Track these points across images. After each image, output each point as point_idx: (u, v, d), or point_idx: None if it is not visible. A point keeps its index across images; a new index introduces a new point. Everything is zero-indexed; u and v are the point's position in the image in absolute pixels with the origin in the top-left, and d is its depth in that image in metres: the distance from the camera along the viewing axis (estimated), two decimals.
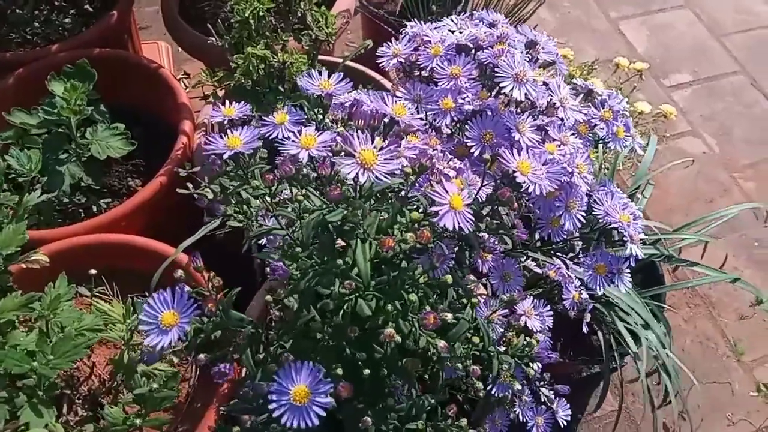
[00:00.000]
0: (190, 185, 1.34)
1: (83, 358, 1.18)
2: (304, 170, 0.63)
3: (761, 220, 2.03)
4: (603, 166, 1.50)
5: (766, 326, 1.67)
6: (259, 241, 0.86)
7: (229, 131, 0.69)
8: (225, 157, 0.67)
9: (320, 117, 0.78)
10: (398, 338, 0.62)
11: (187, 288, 0.73)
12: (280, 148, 0.65)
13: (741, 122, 2.33)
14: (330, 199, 0.59)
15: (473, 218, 0.61)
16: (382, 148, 0.59)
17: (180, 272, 0.69)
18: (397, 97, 0.85)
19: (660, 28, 2.62)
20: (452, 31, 0.93)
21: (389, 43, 0.93)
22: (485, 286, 1.24)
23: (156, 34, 2.26)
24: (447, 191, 0.61)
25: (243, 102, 0.82)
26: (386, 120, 0.66)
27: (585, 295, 1.01)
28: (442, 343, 0.64)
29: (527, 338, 0.84)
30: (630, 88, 1.89)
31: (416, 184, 0.69)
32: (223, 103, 1.12)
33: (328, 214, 0.60)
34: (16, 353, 0.88)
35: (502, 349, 0.84)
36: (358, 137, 0.58)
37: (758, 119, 2.35)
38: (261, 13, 1.34)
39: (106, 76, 1.44)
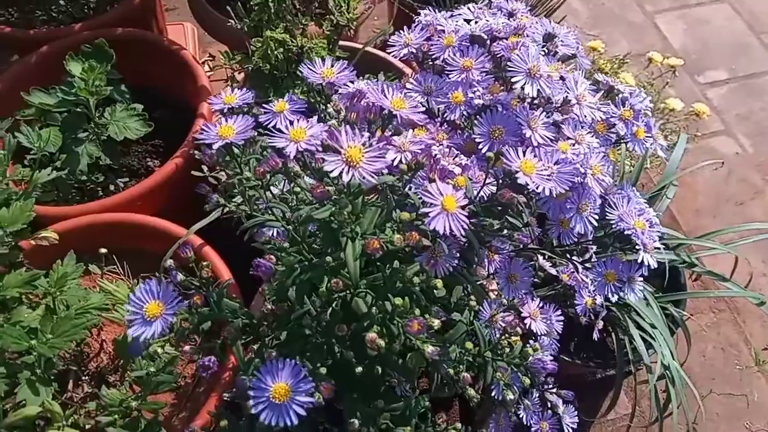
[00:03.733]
0: (205, 168, 1.34)
1: (93, 335, 1.19)
2: (291, 164, 0.60)
3: None
4: (628, 165, 1.44)
5: None
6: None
7: (223, 119, 0.67)
8: (215, 147, 0.65)
9: (323, 107, 0.75)
10: (381, 342, 0.60)
11: (180, 277, 0.72)
12: (267, 141, 0.63)
13: None
14: (314, 197, 0.57)
15: (467, 220, 0.58)
16: (370, 145, 0.56)
17: (170, 262, 0.68)
18: (407, 88, 0.82)
19: (697, 23, 2.53)
20: (468, 21, 0.90)
21: (401, 31, 0.90)
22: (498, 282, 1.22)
23: (183, 15, 2.25)
24: (440, 192, 0.58)
25: (247, 89, 0.80)
26: (385, 113, 0.63)
27: (600, 300, 0.97)
28: (430, 349, 0.62)
29: (528, 344, 0.81)
30: (662, 84, 1.82)
31: (418, 180, 0.66)
32: (241, 88, 1.09)
33: (317, 210, 0.58)
34: (15, 330, 0.88)
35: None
36: (346, 132, 0.55)
37: None
38: None
39: (128, 56, 1.44)
